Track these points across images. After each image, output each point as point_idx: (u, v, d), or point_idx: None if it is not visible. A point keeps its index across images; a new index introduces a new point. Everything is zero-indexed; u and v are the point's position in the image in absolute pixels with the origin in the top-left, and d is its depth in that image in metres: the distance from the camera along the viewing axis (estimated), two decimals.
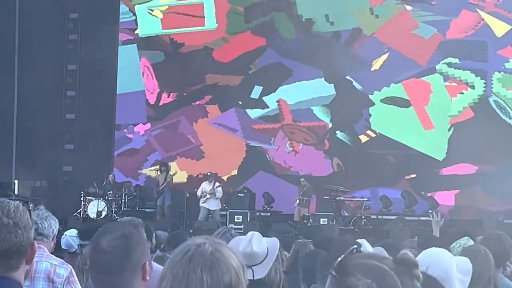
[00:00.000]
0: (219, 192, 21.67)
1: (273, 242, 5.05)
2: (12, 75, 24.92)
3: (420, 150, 23.21)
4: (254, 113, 24.55)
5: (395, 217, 21.34)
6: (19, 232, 2.55)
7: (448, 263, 3.79)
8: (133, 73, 25.23)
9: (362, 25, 24.00)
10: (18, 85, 24.98)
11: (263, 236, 5.12)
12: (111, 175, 23.09)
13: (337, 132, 23.90)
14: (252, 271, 4.77)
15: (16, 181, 24.69)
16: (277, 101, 24.41)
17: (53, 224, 5.83)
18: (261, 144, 24.47)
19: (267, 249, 4.89)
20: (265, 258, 4.87)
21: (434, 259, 3.79)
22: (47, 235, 5.74)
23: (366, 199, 22.04)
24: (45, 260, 5.55)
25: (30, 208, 2.67)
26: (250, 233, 5.06)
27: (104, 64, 24.53)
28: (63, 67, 25.42)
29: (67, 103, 25.43)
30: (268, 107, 24.47)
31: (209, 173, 22.02)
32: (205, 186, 21.74)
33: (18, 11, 25.05)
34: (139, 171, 25.06)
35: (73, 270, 5.67)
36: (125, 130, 25.40)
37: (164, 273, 2.31)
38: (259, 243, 4.90)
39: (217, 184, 21.72)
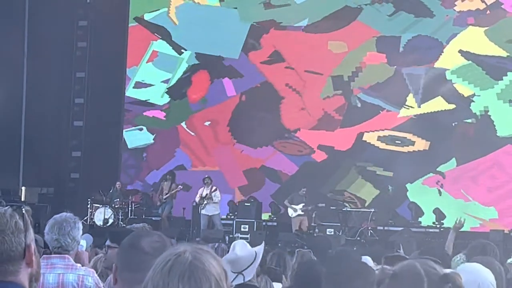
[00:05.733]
0: (216, 196, 21.17)
1: (261, 247, 5.19)
2: (21, 82, 24.98)
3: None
4: None
5: (401, 228, 21.25)
6: (6, 239, 2.50)
7: (492, 278, 4.04)
8: None
9: None
10: (26, 92, 25.02)
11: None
12: (118, 183, 23.01)
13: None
14: (243, 276, 4.84)
15: (23, 188, 24.69)
16: None
17: (76, 235, 5.57)
18: None
19: (255, 253, 4.96)
20: (253, 261, 4.92)
21: (479, 276, 3.99)
22: (71, 250, 5.55)
23: (373, 210, 21.92)
24: (71, 272, 5.44)
25: (24, 211, 2.61)
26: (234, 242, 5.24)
27: (112, 71, 24.59)
28: (71, 74, 25.47)
29: (75, 110, 25.45)
30: None
31: (206, 176, 21.66)
32: (202, 192, 21.31)
33: (27, 19, 25.12)
34: None
35: (95, 274, 5.59)
36: None
37: (146, 283, 2.33)
38: (243, 248, 4.96)
39: (213, 188, 21.23)
